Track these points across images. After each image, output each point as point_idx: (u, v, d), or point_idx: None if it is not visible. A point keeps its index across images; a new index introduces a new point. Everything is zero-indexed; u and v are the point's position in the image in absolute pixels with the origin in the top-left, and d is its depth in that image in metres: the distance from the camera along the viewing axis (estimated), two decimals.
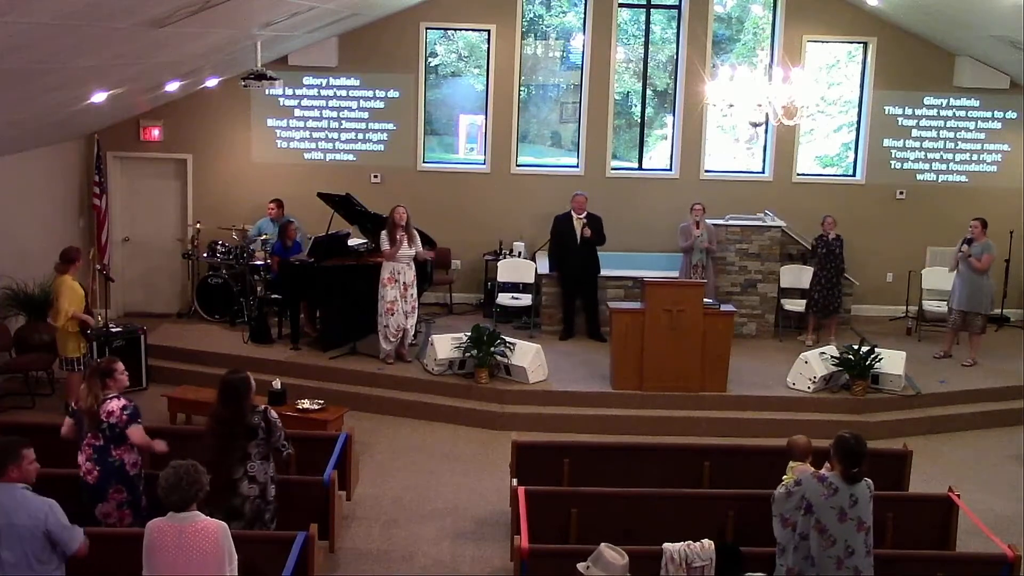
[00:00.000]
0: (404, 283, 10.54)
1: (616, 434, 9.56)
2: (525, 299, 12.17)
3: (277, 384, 9.19)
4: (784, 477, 6.42)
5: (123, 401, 6.27)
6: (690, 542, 6.14)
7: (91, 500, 6.22)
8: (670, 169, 13.45)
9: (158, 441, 6.47)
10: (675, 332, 9.98)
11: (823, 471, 5.62)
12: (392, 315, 10.52)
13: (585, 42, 13.14)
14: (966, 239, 11.19)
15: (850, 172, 13.60)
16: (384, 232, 10.49)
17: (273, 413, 6.41)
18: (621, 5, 13.10)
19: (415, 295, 10.71)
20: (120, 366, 6.41)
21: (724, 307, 10.49)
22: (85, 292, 9.57)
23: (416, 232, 10.67)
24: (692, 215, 11.67)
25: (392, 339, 10.63)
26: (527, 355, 10.26)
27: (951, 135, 13.35)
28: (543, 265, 12.31)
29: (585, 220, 11.59)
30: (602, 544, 5.70)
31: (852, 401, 10.17)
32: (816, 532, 5.39)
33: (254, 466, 6.28)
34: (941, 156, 13.40)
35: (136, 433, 6.26)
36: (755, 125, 11.70)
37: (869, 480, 5.52)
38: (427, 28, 12.99)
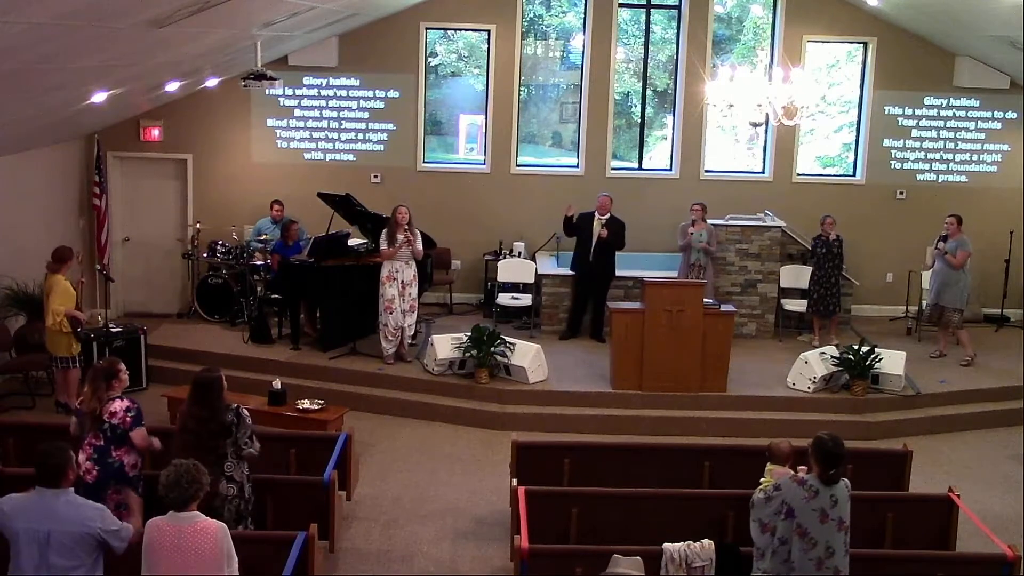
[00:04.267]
0: (402, 282, 10.55)
1: (616, 434, 9.56)
2: (525, 299, 12.17)
3: (277, 384, 9.19)
4: (762, 480, 6.38)
5: (127, 402, 6.24)
6: (690, 542, 6.13)
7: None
8: (670, 169, 13.45)
9: (154, 439, 6.45)
10: (675, 332, 9.98)
11: (801, 474, 5.62)
12: (390, 313, 10.53)
13: (585, 42, 13.14)
14: (942, 236, 11.23)
15: (850, 172, 13.60)
16: (385, 231, 10.50)
17: (244, 411, 6.35)
18: (621, 5, 13.10)
19: (413, 294, 10.70)
20: (122, 365, 6.39)
21: (724, 307, 10.49)
22: (76, 291, 9.60)
23: (418, 232, 10.67)
24: (690, 214, 11.66)
25: (391, 338, 10.64)
26: (527, 355, 10.26)
27: (951, 135, 13.35)
28: (543, 265, 12.31)
29: (604, 221, 11.58)
30: (614, 556, 5.72)
31: (852, 401, 10.17)
32: (797, 536, 5.37)
33: (231, 465, 6.22)
34: (941, 156, 13.41)
35: (139, 435, 6.25)
36: (755, 125, 11.71)
37: (846, 480, 5.53)
38: (427, 28, 12.99)
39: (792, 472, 6.03)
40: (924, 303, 12.43)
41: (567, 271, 11.95)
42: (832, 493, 5.39)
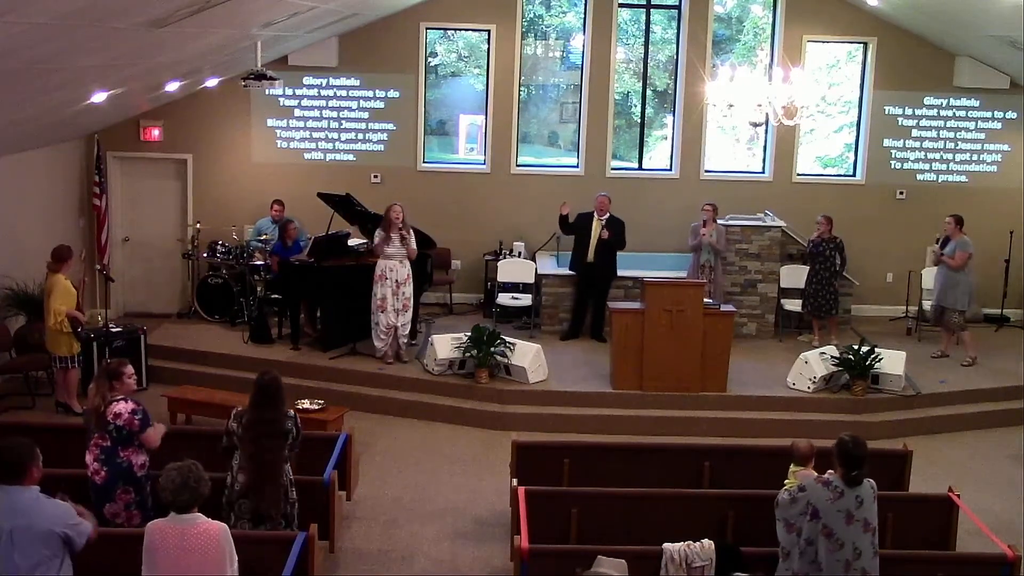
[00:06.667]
0: (396, 281, 10.49)
1: (616, 434, 9.55)
2: (525, 299, 12.17)
3: None
4: (786, 481, 6.42)
5: (132, 404, 6.22)
6: (690, 542, 6.13)
7: (99, 500, 6.19)
8: (670, 169, 13.45)
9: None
10: (675, 332, 9.98)
11: (827, 475, 5.62)
12: (383, 312, 10.51)
13: (585, 42, 13.14)
14: (941, 238, 11.22)
15: (850, 172, 13.60)
16: (379, 229, 10.48)
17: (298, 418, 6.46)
18: (621, 5, 13.10)
19: (408, 294, 10.57)
20: (130, 369, 6.35)
21: (724, 307, 10.49)
22: (77, 291, 9.61)
23: (412, 231, 10.56)
24: (702, 214, 11.65)
25: (383, 337, 10.59)
26: (527, 355, 10.26)
27: (951, 135, 13.35)
28: (543, 265, 12.31)
29: (604, 222, 11.56)
30: (598, 556, 5.74)
31: (852, 401, 10.16)
32: (823, 537, 5.38)
33: (287, 469, 6.32)
34: (941, 156, 13.40)
35: (152, 437, 6.26)
36: (755, 125, 11.70)
37: (872, 481, 5.53)
38: (427, 28, 12.99)
39: (815, 473, 6.05)
40: (924, 303, 12.45)
41: (567, 271, 11.93)
42: (857, 494, 5.40)
